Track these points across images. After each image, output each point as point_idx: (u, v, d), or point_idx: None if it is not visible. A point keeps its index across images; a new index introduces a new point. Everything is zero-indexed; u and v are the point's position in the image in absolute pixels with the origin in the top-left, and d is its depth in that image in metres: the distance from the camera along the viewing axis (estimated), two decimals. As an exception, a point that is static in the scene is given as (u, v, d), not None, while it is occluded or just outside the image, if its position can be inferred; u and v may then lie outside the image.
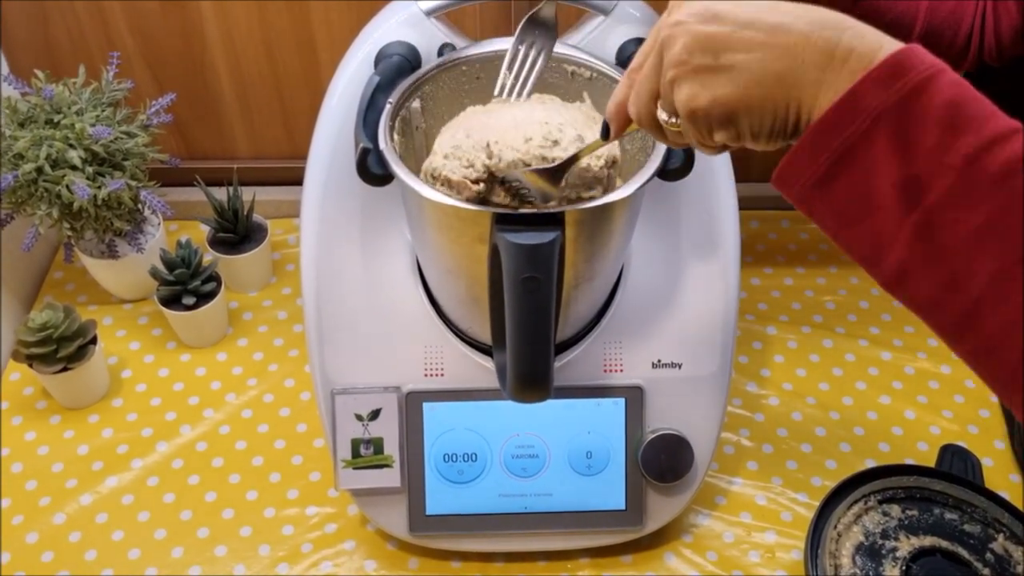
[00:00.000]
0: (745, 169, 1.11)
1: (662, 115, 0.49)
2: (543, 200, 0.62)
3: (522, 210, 0.62)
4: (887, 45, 0.42)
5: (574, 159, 0.60)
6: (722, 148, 0.49)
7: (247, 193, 0.99)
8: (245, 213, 0.97)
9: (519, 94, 0.67)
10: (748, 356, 0.97)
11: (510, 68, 0.67)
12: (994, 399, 0.93)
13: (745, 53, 0.44)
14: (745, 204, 1.13)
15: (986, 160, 0.40)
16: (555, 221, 0.61)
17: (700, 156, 0.67)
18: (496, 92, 0.68)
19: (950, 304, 0.42)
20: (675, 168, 0.67)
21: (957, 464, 0.84)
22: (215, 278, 0.94)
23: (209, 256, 0.97)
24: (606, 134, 0.55)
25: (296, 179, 0.93)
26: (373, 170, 0.66)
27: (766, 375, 0.95)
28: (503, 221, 0.61)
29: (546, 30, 0.67)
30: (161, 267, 0.91)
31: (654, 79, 0.49)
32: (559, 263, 0.63)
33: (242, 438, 0.89)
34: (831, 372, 0.95)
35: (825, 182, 0.43)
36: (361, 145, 0.65)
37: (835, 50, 0.42)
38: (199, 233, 1.06)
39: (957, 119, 0.40)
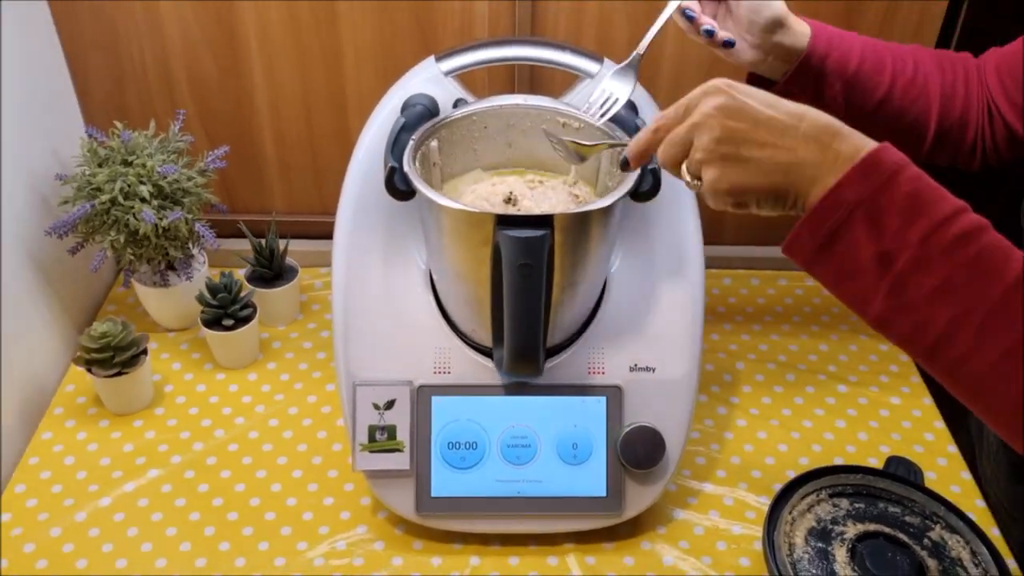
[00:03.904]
0: (718, 232, 1.27)
1: (686, 176, 0.65)
2: (574, 159, 0.78)
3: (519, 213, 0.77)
4: (865, 145, 0.57)
5: (597, 147, 0.77)
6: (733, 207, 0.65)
7: (280, 242, 1.14)
8: (280, 253, 1.12)
9: (601, 115, 0.83)
10: (720, 386, 1.09)
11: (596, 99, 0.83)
12: (939, 424, 1.05)
13: (759, 150, 0.59)
14: (718, 264, 1.29)
15: (937, 236, 0.55)
16: (546, 223, 0.75)
17: (667, 187, 0.82)
18: (584, 108, 0.84)
19: (919, 342, 0.58)
20: (646, 191, 0.81)
21: (901, 470, 0.94)
22: (251, 305, 1.08)
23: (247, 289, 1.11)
24: (625, 166, 0.71)
25: (324, 233, 1.09)
26: (398, 186, 0.81)
27: (735, 402, 1.07)
28: (504, 223, 0.76)
29: (630, 75, 0.83)
30: (207, 293, 1.05)
31: (683, 149, 0.64)
32: (549, 265, 0.77)
33: (268, 441, 1.01)
34: (793, 400, 1.07)
35: (821, 254, 0.59)
36: (389, 164, 0.81)
37: (826, 151, 0.58)
38: (238, 276, 1.20)
39: (914, 206, 0.55)
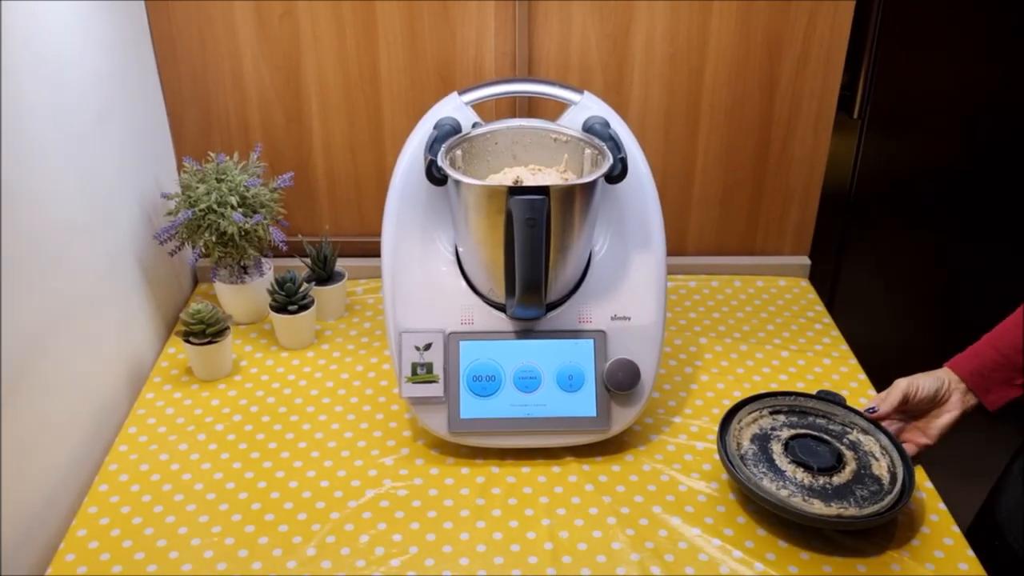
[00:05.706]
0: (682, 246, 1.56)
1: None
2: None
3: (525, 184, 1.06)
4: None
5: None
6: None
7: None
8: (331, 259, 1.40)
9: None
10: (686, 354, 1.36)
11: None
12: (861, 376, 1.31)
13: None
14: (684, 270, 1.57)
15: None
16: (544, 191, 1.04)
17: (634, 180, 1.11)
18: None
19: None
20: (616, 175, 1.10)
21: (827, 398, 1.20)
22: (310, 297, 1.35)
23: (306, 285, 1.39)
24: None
25: (362, 251, 1.39)
26: (436, 174, 1.10)
27: (699, 364, 1.34)
28: (514, 192, 1.04)
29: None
30: (275, 285, 1.32)
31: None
32: (547, 225, 1.05)
33: (326, 396, 1.26)
34: (745, 363, 1.34)
35: None
36: (429, 158, 1.10)
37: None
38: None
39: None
